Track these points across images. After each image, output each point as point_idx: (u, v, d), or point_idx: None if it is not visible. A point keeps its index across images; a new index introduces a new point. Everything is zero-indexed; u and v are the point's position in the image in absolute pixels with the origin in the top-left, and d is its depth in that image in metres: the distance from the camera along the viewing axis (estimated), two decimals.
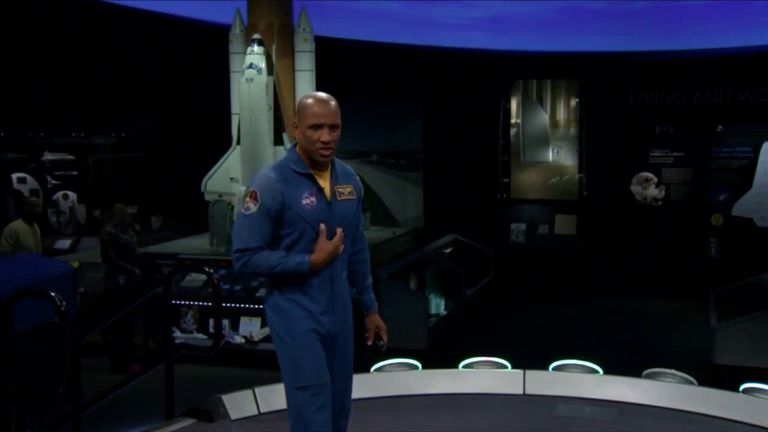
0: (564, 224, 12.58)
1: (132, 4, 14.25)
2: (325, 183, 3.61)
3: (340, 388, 3.72)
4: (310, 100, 3.57)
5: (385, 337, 3.86)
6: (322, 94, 3.60)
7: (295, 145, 3.65)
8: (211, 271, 5.80)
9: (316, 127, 3.51)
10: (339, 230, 3.59)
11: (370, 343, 3.87)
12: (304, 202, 3.54)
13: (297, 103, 3.73)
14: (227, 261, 8.66)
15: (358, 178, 3.81)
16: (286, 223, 3.54)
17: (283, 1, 10.23)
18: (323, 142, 3.51)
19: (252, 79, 9.43)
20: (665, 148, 11.89)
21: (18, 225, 8.81)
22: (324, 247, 3.54)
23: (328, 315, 3.62)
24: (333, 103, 3.57)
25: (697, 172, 11.70)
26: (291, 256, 3.54)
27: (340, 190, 3.65)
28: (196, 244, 10.32)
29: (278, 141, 9.92)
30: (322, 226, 3.55)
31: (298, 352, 3.57)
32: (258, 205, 3.51)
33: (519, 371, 5.91)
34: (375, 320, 3.87)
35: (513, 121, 12.99)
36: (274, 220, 3.53)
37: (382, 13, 14.78)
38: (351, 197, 3.69)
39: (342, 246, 3.61)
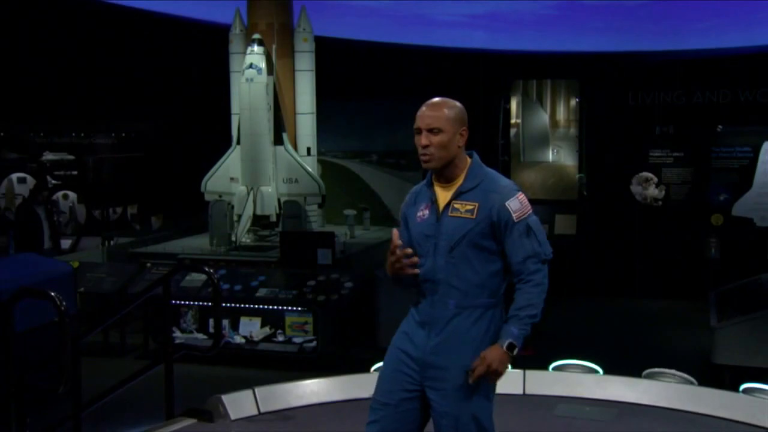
0: (564, 224, 12.56)
1: (132, 4, 14.26)
2: (445, 196, 3.37)
3: (445, 429, 3.36)
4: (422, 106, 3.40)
5: (477, 370, 3.26)
6: (434, 99, 3.38)
7: None
8: (211, 271, 5.78)
9: (417, 131, 3.34)
10: (440, 249, 3.34)
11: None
12: (418, 214, 3.42)
13: None
14: (227, 261, 8.66)
15: (509, 197, 3.33)
16: None
17: (283, 1, 10.24)
18: (421, 146, 3.33)
19: (252, 79, 9.43)
20: (665, 148, 11.86)
21: None
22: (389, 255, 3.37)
23: (421, 339, 3.40)
24: (438, 106, 3.34)
25: (697, 172, 11.68)
26: None
27: (456, 206, 3.33)
28: (196, 244, 10.31)
29: (278, 141, 9.92)
30: (395, 230, 3.39)
31: (383, 363, 3.54)
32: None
33: (519, 371, 5.88)
34: (487, 350, 3.30)
35: (513, 121, 12.99)
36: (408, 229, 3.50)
37: (382, 12, 14.79)
38: (468, 216, 3.31)
39: (409, 261, 3.34)
